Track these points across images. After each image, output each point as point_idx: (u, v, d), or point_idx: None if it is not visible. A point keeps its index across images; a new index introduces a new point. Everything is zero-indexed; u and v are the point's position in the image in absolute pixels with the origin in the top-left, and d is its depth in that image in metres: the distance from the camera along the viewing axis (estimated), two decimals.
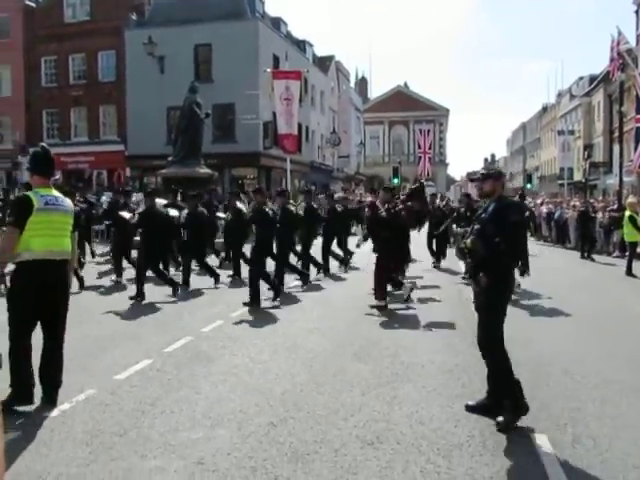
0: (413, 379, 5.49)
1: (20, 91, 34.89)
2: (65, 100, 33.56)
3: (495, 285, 4.42)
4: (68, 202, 5.05)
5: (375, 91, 75.12)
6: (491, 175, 4.71)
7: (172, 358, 6.13)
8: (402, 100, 68.05)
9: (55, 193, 4.94)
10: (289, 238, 10.87)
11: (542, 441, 4.13)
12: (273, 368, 5.82)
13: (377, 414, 4.60)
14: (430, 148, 49.96)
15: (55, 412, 4.62)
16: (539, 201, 27.40)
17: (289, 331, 7.45)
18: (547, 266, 15.91)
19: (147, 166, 29.06)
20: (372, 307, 8.86)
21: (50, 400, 4.82)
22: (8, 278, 4.79)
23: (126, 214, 11.10)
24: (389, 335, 7.34)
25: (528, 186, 41.95)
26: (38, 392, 4.79)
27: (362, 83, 71.73)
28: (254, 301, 9.02)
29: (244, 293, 9.42)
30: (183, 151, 18.39)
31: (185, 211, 11.76)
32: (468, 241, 4.51)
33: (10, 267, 4.76)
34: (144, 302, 9.37)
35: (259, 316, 8.38)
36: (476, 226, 4.56)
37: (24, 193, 5.00)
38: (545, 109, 67.01)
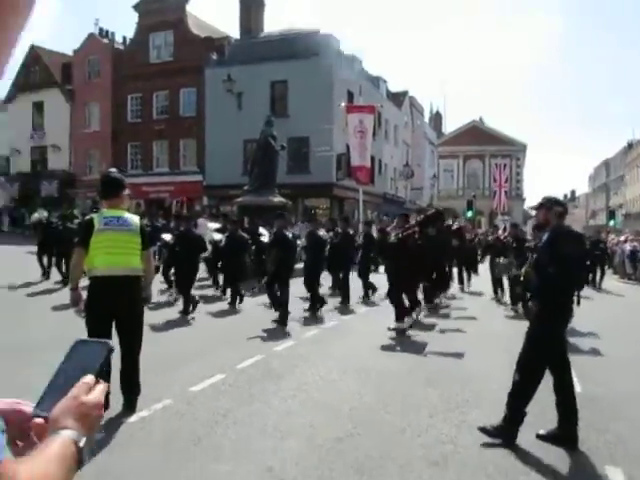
0: (482, 406, 5.42)
1: (107, 126, 37.12)
2: (148, 134, 35.36)
3: (548, 314, 4.42)
4: (133, 221, 5.23)
5: (450, 126, 74.71)
6: (543, 205, 4.72)
7: (244, 374, 6.30)
8: (477, 135, 67.25)
9: (119, 214, 5.15)
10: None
11: (616, 475, 3.99)
12: (342, 387, 5.89)
13: (444, 436, 4.58)
14: (506, 182, 49.09)
15: (134, 418, 4.86)
16: (622, 238, 26.32)
17: (360, 353, 7.49)
18: (630, 302, 15.28)
19: (223, 195, 30.01)
20: (390, 329, 8.95)
21: (130, 406, 5.09)
22: (85, 293, 5.14)
23: (167, 236, 12.01)
24: (461, 362, 7.27)
25: (611, 223, 40.38)
26: (119, 399, 5.07)
27: (436, 118, 71.53)
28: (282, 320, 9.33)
29: (314, 315, 9.56)
30: (258, 181, 18.93)
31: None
32: (523, 270, 4.58)
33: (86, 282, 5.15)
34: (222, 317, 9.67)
35: (331, 338, 8.47)
36: (535, 255, 4.59)
37: (90, 216, 5.46)
38: (630, 146, 64.59)
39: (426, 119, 60.36)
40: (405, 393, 5.74)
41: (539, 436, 4.58)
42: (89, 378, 0.98)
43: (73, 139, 38.54)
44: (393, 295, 9.41)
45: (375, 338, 8.70)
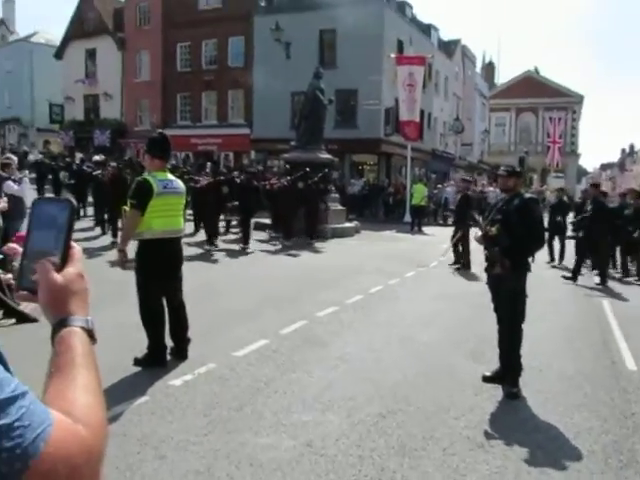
0: (529, 383, 5.27)
1: (158, 75, 37.06)
2: (197, 84, 35.18)
3: (519, 271, 5.04)
4: (181, 184, 5.47)
5: (503, 77, 72.14)
6: (515, 173, 5.30)
7: (287, 340, 6.31)
8: (531, 86, 64.64)
9: (170, 176, 5.35)
10: None
11: None
12: (385, 358, 5.84)
13: (490, 416, 4.49)
14: (560, 137, 47.33)
15: (179, 382, 4.93)
16: None
17: (403, 322, 7.41)
18: None
19: (271, 149, 29.91)
20: None
21: (181, 355, 5.38)
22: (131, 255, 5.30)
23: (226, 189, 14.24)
24: None
25: None
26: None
27: (489, 68, 69.02)
28: None
29: (361, 280, 9.47)
30: (305, 136, 18.70)
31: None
32: (494, 228, 4.96)
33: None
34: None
35: (374, 305, 8.39)
36: (498, 216, 5.05)
37: (144, 177, 5.30)
38: None
39: (478, 69, 58.26)
40: (450, 368, 5.65)
41: (485, 378, 5.18)
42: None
43: (125, 88, 38.74)
44: None
45: (420, 305, 8.59)
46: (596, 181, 15.74)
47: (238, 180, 16.07)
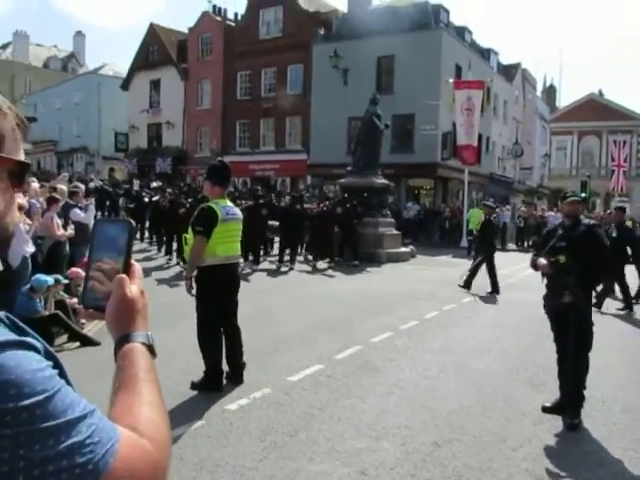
0: (592, 415, 5.09)
1: (218, 103, 38.17)
2: (256, 111, 36.00)
3: (588, 298, 5.07)
4: (239, 211, 5.65)
5: (564, 99, 70.64)
6: (584, 200, 5.35)
7: (342, 365, 6.30)
8: (595, 109, 62.89)
9: (229, 203, 5.47)
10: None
11: None
12: (440, 386, 5.75)
13: (549, 449, 4.34)
14: (625, 161, 45.69)
15: (235, 406, 4.99)
16: None
17: (459, 349, 7.28)
18: None
19: (327, 174, 30.16)
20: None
21: (237, 380, 5.46)
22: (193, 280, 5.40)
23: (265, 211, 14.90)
24: None
25: None
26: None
27: (550, 91, 67.78)
28: None
29: (416, 305, 9.39)
30: (362, 162, 18.81)
31: None
32: (562, 257, 4.81)
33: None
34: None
35: (429, 331, 8.29)
36: (561, 244, 4.92)
37: (209, 205, 5.30)
38: None
39: (538, 93, 57.27)
40: (507, 396, 5.51)
41: (544, 408, 5.00)
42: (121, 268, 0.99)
43: (186, 116, 40.02)
44: None
45: (476, 332, 8.43)
46: (622, 205, 14.81)
47: (282, 203, 16.76)
